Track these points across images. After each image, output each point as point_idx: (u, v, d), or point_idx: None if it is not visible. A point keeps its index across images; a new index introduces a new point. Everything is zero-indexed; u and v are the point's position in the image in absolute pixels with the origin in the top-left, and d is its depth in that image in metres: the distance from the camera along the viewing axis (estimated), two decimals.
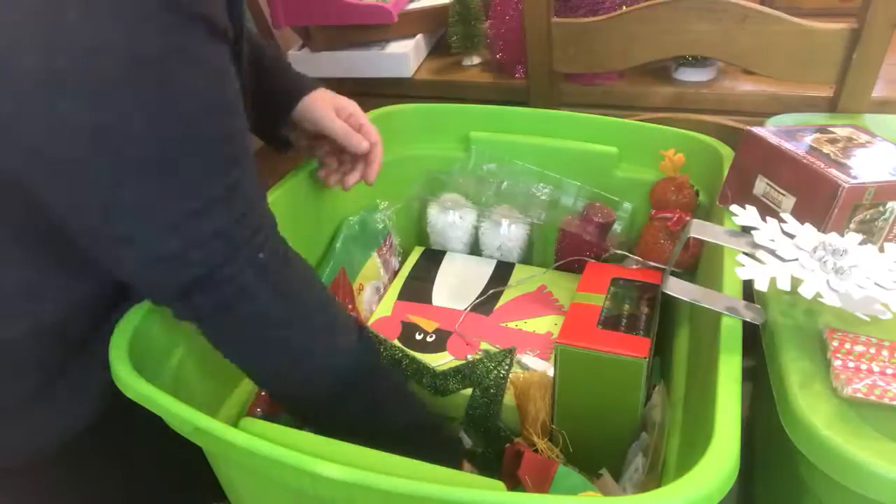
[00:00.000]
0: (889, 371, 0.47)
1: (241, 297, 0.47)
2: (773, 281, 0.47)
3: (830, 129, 0.65)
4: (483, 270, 0.85)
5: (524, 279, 0.83)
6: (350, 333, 0.54)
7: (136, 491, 0.64)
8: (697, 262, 0.72)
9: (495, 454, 0.67)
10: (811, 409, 0.45)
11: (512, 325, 0.77)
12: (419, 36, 1.19)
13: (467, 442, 0.69)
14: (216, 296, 0.46)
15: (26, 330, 0.51)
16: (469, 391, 0.67)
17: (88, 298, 0.53)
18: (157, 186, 0.42)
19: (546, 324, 0.76)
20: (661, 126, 0.79)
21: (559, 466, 0.52)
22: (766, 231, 0.51)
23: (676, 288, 0.56)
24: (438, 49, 1.26)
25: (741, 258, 0.48)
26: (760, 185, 0.62)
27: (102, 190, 0.41)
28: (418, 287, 0.83)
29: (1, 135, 0.40)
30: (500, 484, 0.42)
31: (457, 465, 0.61)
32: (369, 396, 0.55)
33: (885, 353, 0.49)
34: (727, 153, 0.72)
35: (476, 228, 0.88)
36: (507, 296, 0.81)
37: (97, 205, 0.42)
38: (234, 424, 0.46)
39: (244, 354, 0.51)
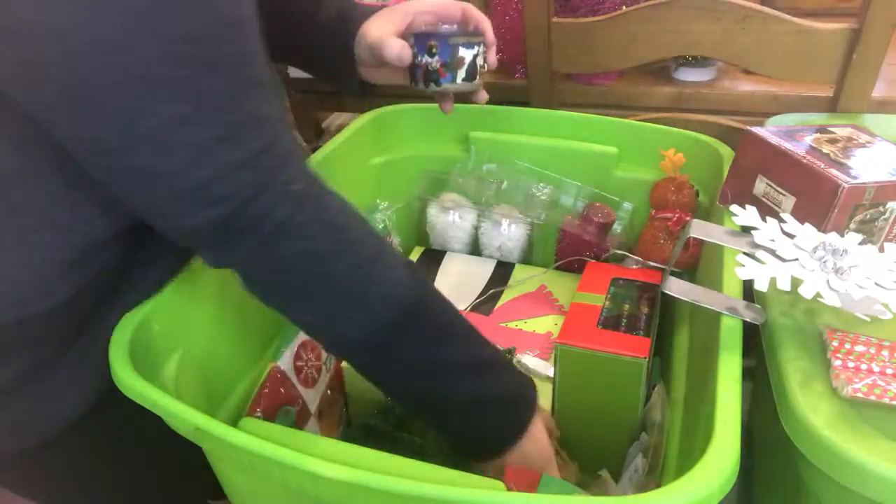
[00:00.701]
0: (889, 371, 0.47)
1: (282, 233, 0.43)
2: (773, 281, 0.47)
3: (830, 129, 0.65)
4: (483, 270, 0.85)
5: (524, 279, 0.83)
6: (398, 260, 0.51)
7: (131, 483, 0.63)
8: (697, 262, 0.72)
9: None
10: (811, 409, 0.45)
11: (512, 325, 0.77)
12: None
13: None
14: (255, 235, 0.43)
15: (37, 311, 0.49)
16: None
17: (92, 278, 0.52)
18: (175, 111, 0.39)
19: (546, 324, 0.76)
20: (661, 126, 0.79)
21: (542, 475, 0.52)
22: (766, 231, 0.51)
23: (676, 288, 0.56)
24: None
25: (741, 258, 0.48)
26: (760, 185, 0.62)
27: (118, 117, 0.39)
28: None
29: (11, 55, 0.38)
30: (500, 484, 0.42)
31: (534, 398, 0.57)
32: (433, 325, 0.51)
33: (885, 353, 0.49)
34: (727, 153, 0.72)
35: (476, 228, 0.88)
36: (507, 296, 0.81)
37: (115, 135, 0.39)
38: (234, 424, 0.46)
39: (295, 299, 0.48)
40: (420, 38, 0.65)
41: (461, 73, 0.66)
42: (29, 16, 0.36)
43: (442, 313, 0.53)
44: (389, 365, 0.51)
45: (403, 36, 0.65)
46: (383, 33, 0.64)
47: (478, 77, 0.68)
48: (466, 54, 0.66)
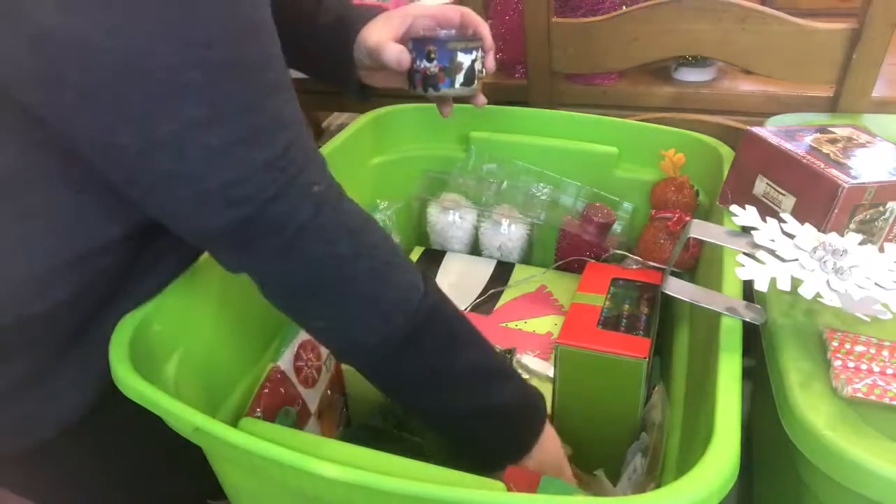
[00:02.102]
0: (889, 371, 0.47)
1: (303, 235, 0.43)
2: (773, 281, 0.47)
3: (830, 129, 0.65)
4: (483, 270, 0.85)
5: (524, 279, 0.83)
6: (411, 266, 0.50)
7: (130, 484, 0.63)
8: (697, 262, 0.72)
9: None
10: (811, 409, 0.45)
11: (512, 325, 0.77)
12: None
13: None
14: (276, 236, 0.43)
15: (38, 312, 0.49)
16: None
17: (93, 281, 0.52)
18: (197, 114, 0.39)
19: (546, 324, 0.76)
20: (661, 126, 0.79)
21: (542, 476, 0.52)
22: (766, 231, 0.51)
23: (676, 288, 0.56)
24: None
25: (741, 258, 0.48)
26: (760, 185, 0.62)
27: (139, 122, 0.39)
28: None
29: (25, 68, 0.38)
30: (500, 484, 0.42)
31: (543, 407, 0.57)
32: (446, 333, 0.51)
33: (885, 353, 0.49)
34: (727, 153, 0.72)
35: (476, 228, 0.88)
36: (507, 296, 0.81)
37: (136, 140, 0.39)
38: (234, 424, 0.46)
39: (312, 303, 0.47)
40: (419, 43, 0.65)
41: (459, 78, 0.67)
42: (51, 23, 0.36)
43: (454, 320, 0.52)
44: (401, 372, 0.50)
45: (402, 40, 0.66)
46: (382, 38, 0.65)
47: (476, 81, 0.69)
48: (465, 59, 0.66)
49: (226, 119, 0.40)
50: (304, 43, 0.69)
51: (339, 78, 0.70)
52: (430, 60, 0.65)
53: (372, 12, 0.68)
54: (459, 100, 0.73)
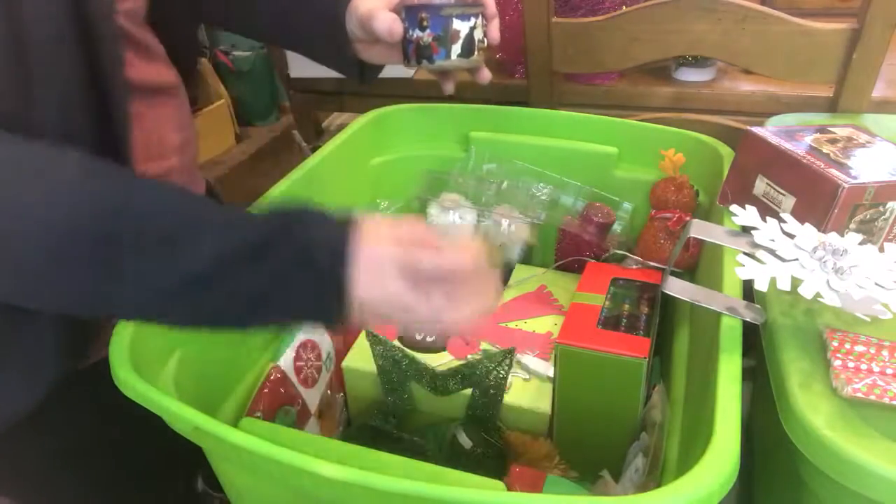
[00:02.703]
0: (889, 371, 0.47)
1: None
2: (773, 281, 0.47)
3: (830, 129, 0.65)
4: None
5: (524, 279, 0.83)
6: (63, 167, 0.39)
7: (85, 482, 0.63)
8: (697, 262, 0.72)
9: (495, 454, 0.67)
10: (811, 409, 0.45)
11: (512, 325, 0.77)
12: None
13: (467, 442, 0.69)
14: None
15: None
16: (469, 391, 0.67)
17: None
18: None
19: (546, 324, 0.76)
20: (661, 126, 0.79)
21: (547, 476, 0.52)
22: (766, 231, 0.51)
23: (676, 288, 0.56)
24: None
25: (741, 258, 0.48)
26: (760, 185, 0.62)
27: None
28: None
29: None
30: (500, 484, 0.42)
31: (342, 239, 0.43)
32: (146, 230, 0.39)
33: (885, 353, 0.49)
34: (727, 153, 0.72)
35: (476, 228, 0.88)
36: (507, 296, 0.81)
37: None
38: (234, 424, 0.46)
39: None
40: (411, 11, 0.59)
41: (456, 48, 0.61)
42: None
43: (157, 212, 0.40)
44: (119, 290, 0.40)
45: (397, 9, 0.61)
46: (374, 6, 0.60)
47: (476, 52, 0.62)
48: (462, 27, 0.60)
49: None
50: (297, 21, 0.66)
51: (335, 55, 0.66)
52: (422, 29, 0.59)
53: None
54: (461, 98, 0.70)
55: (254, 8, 0.68)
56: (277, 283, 0.41)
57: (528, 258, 0.88)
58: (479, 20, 0.61)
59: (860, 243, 0.50)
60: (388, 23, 0.59)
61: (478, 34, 0.61)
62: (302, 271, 0.41)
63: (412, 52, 0.61)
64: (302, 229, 0.43)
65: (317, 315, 0.44)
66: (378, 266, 0.42)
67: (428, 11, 0.59)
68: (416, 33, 0.60)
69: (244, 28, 0.73)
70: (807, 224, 0.51)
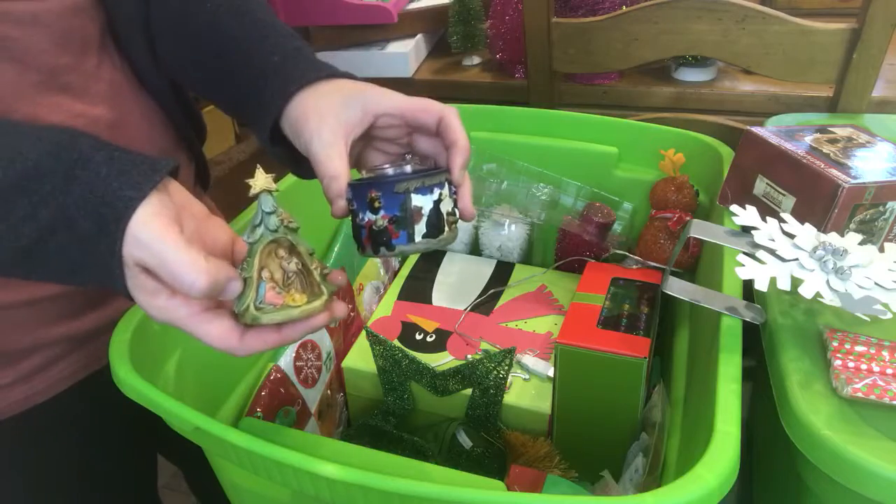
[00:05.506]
0: (889, 371, 0.47)
1: None
2: (773, 281, 0.47)
3: (830, 129, 0.65)
4: (483, 270, 0.85)
5: (524, 279, 0.83)
6: None
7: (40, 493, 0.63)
8: (697, 262, 0.72)
9: (495, 454, 0.67)
10: (811, 409, 0.45)
11: (512, 325, 0.77)
12: (419, 36, 1.19)
13: (467, 442, 0.69)
14: None
15: None
16: (469, 391, 0.67)
17: None
18: None
19: (546, 324, 0.76)
20: (661, 126, 0.79)
21: (547, 476, 0.52)
22: (766, 231, 0.51)
23: (676, 288, 0.56)
24: (438, 49, 1.26)
25: (741, 258, 0.48)
26: (760, 185, 0.62)
27: None
28: (418, 287, 0.83)
29: None
30: (500, 484, 0.42)
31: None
32: None
33: (885, 353, 0.49)
34: (727, 153, 0.72)
35: (476, 228, 0.88)
36: (507, 296, 0.81)
37: None
38: (234, 424, 0.46)
39: None
40: (358, 190, 0.46)
41: (420, 229, 0.46)
42: None
43: None
44: None
45: (353, 150, 0.48)
46: (328, 145, 0.46)
47: (447, 228, 0.48)
48: (424, 202, 0.46)
49: None
50: (231, 81, 0.54)
51: (258, 132, 0.52)
52: (375, 211, 0.46)
53: (325, 71, 0.50)
54: (461, 98, 0.70)
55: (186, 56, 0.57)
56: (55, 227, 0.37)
57: (528, 258, 0.88)
58: (446, 189, 0.48)
59: (860, 243, 0.50)
60: (334, 195, 0.46)
61: (445, 206, 0.48)
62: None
63: (365, 239, 0.47)
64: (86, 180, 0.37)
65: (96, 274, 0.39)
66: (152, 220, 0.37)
67: (378, 189, 0.45)
68: (368, 216, 0.46)
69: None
70: (807, 224, 0.51)
